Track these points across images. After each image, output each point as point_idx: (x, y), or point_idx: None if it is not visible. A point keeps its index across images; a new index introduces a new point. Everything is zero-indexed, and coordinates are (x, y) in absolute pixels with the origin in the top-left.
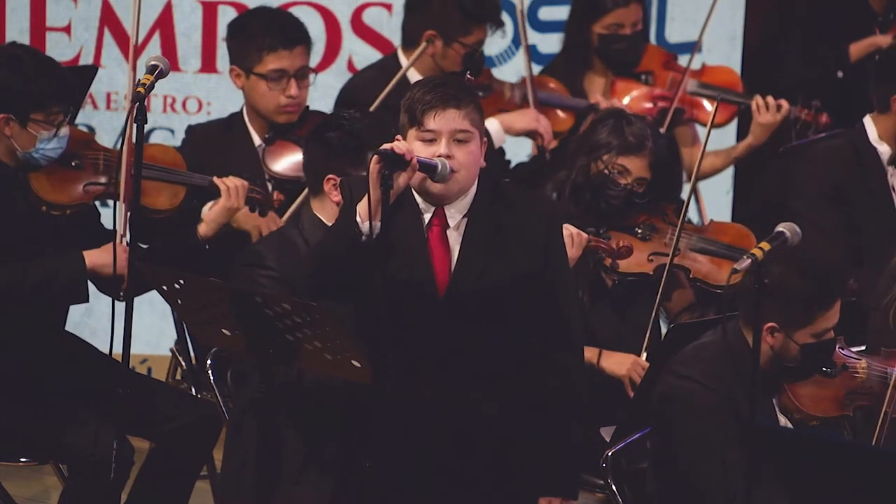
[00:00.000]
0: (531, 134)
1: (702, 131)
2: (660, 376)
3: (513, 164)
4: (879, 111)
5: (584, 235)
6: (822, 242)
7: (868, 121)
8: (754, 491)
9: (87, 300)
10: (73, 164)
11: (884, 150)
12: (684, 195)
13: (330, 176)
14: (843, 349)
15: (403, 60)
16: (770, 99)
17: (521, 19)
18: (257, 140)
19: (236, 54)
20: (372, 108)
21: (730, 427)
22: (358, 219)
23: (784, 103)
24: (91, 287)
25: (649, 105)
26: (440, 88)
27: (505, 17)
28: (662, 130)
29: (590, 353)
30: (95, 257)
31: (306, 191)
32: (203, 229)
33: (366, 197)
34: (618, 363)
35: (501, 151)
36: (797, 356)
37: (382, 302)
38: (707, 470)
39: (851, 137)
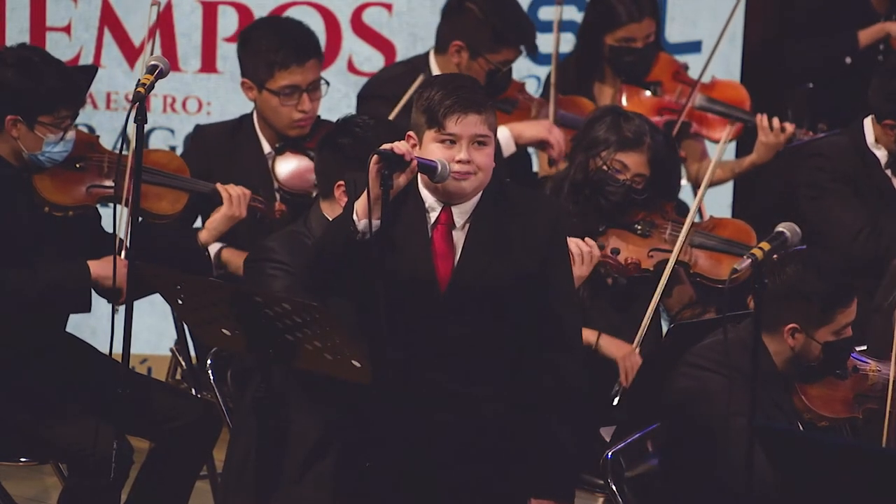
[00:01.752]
0: (542, 144)
1: (709, 146)
2: (670, 373)
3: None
4: (877, 120)
5: (597, 253)
6: (846, 216)
7: (867, 123)
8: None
9: (89, 310)
10: (77, 165)
11: (881, 154)
12: (684, 198)
13: (340, 182)
14: (853, 354)
15: (433, 62)
16: (776, 120)
17: (556, 35)
18: (267, 148)
19: (247, 68)
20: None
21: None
22: (354, 216)
23: (789, 126)
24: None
25: (655, 116)
26: (460, 92)
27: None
28: None
29: (589, 335)
30: (99, 268)
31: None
32: (204, 236)
33: (363, 195)
34: (616, 346)
35: (528, 163)
36: (820, 355)
37: (382, 300)
38: (725, 457)
39: (852, 136)
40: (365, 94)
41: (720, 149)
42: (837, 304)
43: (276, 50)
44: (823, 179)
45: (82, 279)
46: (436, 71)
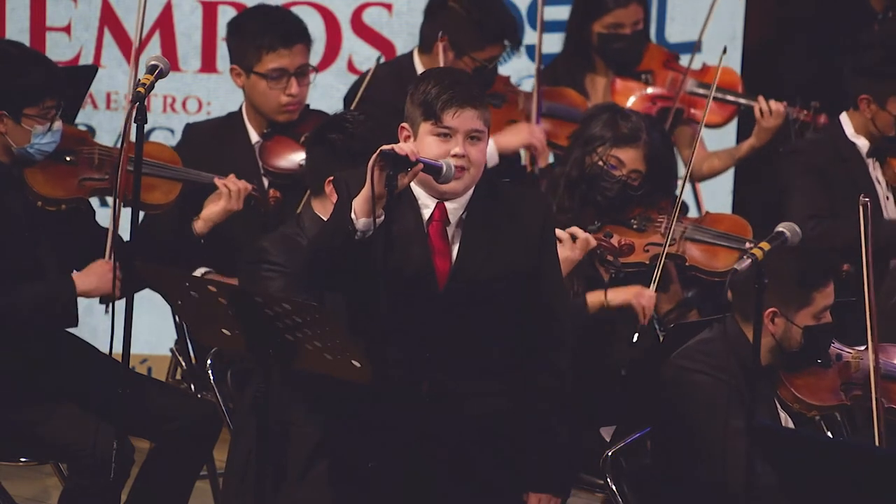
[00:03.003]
0: (528, 148)
1: (702, 131)
2: (660, 374)
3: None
4: (853, 108)
5: (591, 240)
6: (802, 201)
7: (844, 117)
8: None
9: (76, 324)
10: (67, 159)
11: (862, 143)
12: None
13: (331, 178)
14: (834, 343)
15: (418, 62)
16: (772, 103)
17: (540, 29)
18: (255, 137)
19: (236, 53)
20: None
21: (738, 417)
22: (353, 215)
23: (781, 106)
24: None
25: (649, 105)
26: (458, 86)
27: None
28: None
29: (596, 295)
30: (84, 282)
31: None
32: (199, 226)
33: (361, 194)
34: (625, 290)
35: (517, 157)
36: (800, 339)
37: (384, 299)
38: (716, 460)
39: (830, 133)
40: (352, 96)
41: (700, 126)
42: (813, 284)
43: (263, 34)
44: (795, 174)
45: (69, 295)
46: (421, 71)
